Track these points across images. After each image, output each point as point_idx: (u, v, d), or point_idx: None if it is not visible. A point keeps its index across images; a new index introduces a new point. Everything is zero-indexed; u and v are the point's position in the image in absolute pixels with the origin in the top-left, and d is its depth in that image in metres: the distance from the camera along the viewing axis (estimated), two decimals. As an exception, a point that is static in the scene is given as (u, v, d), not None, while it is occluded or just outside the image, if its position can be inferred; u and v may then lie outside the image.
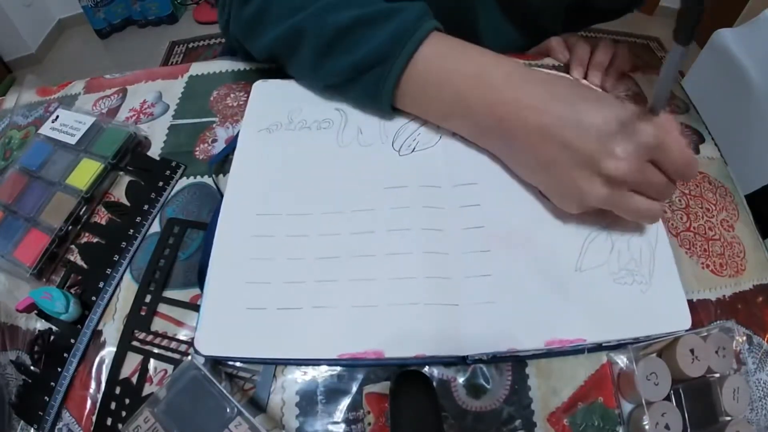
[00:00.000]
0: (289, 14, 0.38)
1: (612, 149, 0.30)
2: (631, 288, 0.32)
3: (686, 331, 0.31)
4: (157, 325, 0.36)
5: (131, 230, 0.40)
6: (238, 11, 0.42)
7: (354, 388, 0.32)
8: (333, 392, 0.32)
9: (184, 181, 0.43)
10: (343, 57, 0.37)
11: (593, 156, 0.30)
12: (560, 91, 0.33)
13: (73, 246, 0.41)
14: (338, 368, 0.33)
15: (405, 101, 0.38)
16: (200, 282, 0.36)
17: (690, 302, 0.32)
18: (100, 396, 0.34)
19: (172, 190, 0.43)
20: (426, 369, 0.33)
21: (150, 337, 0.35)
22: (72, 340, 0.35)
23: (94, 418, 0.33)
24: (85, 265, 0.40)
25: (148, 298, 0.37)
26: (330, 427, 0.31)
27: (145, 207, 0.41)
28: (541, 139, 0.32)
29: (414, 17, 0.36)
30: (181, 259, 0.39)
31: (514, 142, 0.34)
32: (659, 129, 0.30)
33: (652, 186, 0.31)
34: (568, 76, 0.35)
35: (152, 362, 0.35)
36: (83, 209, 0.42)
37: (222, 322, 0.32)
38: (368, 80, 0.37)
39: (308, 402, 0.32)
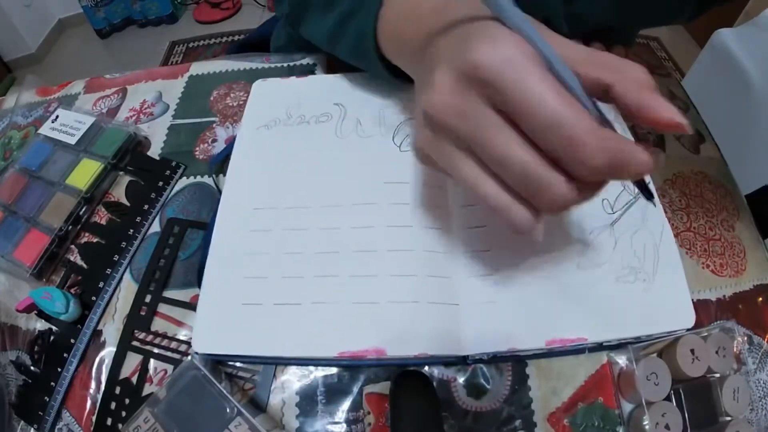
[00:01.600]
0: None
1: (431, 77, 0.22)
2: (634, 286, 0.32)
3: (686, 331, 0.31)
4: (157, 325, 0.36)
5: (131, 230, 0.40)
6: None
7: (354, 388, 0.32)
8: (333, 392, 0.32)
9: (184, 181, 0.43)
10: (332, 12, 0.37)
11: (423, 82, 0.24)
12: (466, 10, 0.24)
13: (73, 246, 0.41)
14: (338, 368, 0.33)
15: (388, 47, 0.33)
16: (200, 282, 0.36)
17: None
18: (100, 396, 0.34)
19: (172, 190, 0.43)
20: (426, 369, 0.33)
21: (150, 337, 0.35)
22: (72, 340, 0.35)
23: (94, 418, 0.33)
24: (85, 265, 0.40)
25: (148, 298, 0.37)
26: (330, 427, 0.31)
27: (145, 207, 0.41)
28: (423, 59, 0.26)
29: None
30: (181, 259, 0.39)
31: (414, 67, 0.29)
32: (503, 53, 0.19)
33: (491, 153, 0.21)
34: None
35: (152, 362, 0.35)
36: (83, 209, 0.42)
37: (218, 318, 0.32)
38: (351, 30, 0.35)
39: (308, 402, 0.32)
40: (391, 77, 0.35)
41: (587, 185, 0.21)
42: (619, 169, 0.19)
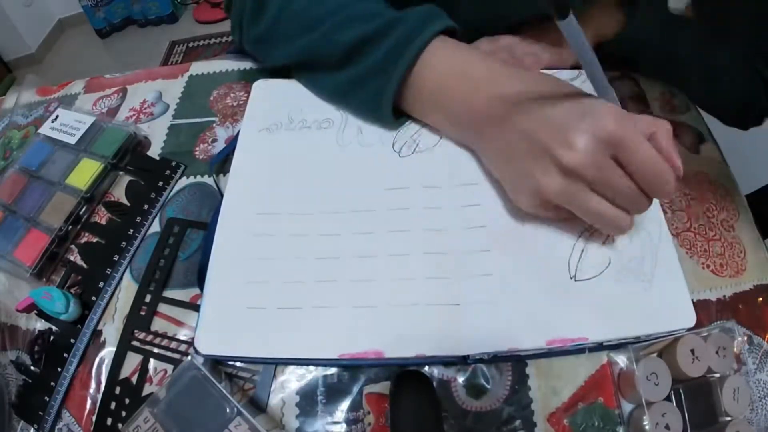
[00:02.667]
0: (298, 34, 0.40)
1: (569, 139, 0.29)
2: (634, 286, 0.32)
3: (687, 331, 0.31)
4: (157, 325, 0.36)
5: (131, 230, 0.40)
6: (248, 29, 0.44)
7: (354, 389, 0.32)
8: (333, 392, 0.32)
9: (184, 181, 0.43)
10: (349, 70, 0.39)
11: (550, 145, 0.29)
12: (536, 84, 0.32)
13: (73, 246, 0.41)
14: (338, 368, 0.33)
15: (406, 106, 0.39)
16: (200, 282, 0.36)
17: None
18: (100, 396, 0.34)
19: (172, 189, 0.43)
20: (426, 369, 0.33)
21: (150, 337, 0.35)
22: (72, 340, 0.35)
23: (94, 418, 0.33)
24: (85, 265, 0.40)
25: (148, 298, 0.37)
26: (330, 427, 0.31)
27: (145, 207, 0.41)
28: (505, 129, 0.32)
29: (412, 27, 0.36)
30: (181, 259, 0.39)
31: (483, 132, 0.34)
32: (622, 124, 0.28)
33: (614, 189, 0.29)
34: (559, 78, 0.34)
35: (152, 362, 0.35)
36: (83, 209, 0.42)
37: (222, 321, 0.32)
38: (370, 87, 0.38)
39: (308, 402, 0.32)
40: (395, 123, 0.39)
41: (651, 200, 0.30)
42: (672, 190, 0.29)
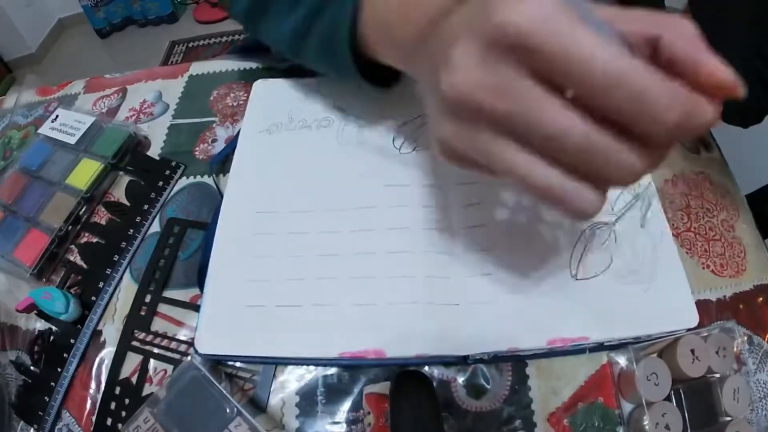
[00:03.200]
0: None
1: (449, 56, 0.19)
2: (635, 286, 0.32)
3: (687, 331, 0.31)
4: (157, 325, 0.36)
5: (131, 230, 0.40)
6: None
7: (354, 389, 0.32)
8: (333, 392, 0.32)
9: (184, 181, 0.43)
10: (300, 8, 0.33)
11: (436, 67, 0.20)
12: None
13: (73, 246, 0.41)
14: (338, 368, 0.33)
15: (373, 39, 0.30)
16: (200, 282, 0.36)
17: (690, 302, 0.32)
18: (100, 396, 0.34)
19: (172, 189, 0.43)
20: (426, 369, 0.33)
21: (150, 337, 0.35)
22: (72, 340, 0.35)
23: (94, 418, 0.33)
24: (85, 265, 0.40)
25: (148, 298, 0.37)
26: (330, 427, 0.31)
27: (145, 207, 0.41)
28: (425, 50, 0.23)
29: None
30: (181, 259, 0.39)
31: (415, 60, 0.26)
32: (546, 12, 0.16)
33: (537, 128, 0.17)
34: None
35: (152, 362, 0.35)
36: (83, 209, 0.42)
37: (222, 321, 0.32)
38: (325, 21, 0.31)
39: (308, 402, 0.32)
40: (360, 78, 0.32)
41: (655, 150, 0.18)
42: (692, 123, 0.16)
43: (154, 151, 0.45)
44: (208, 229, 0.38)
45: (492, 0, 0.17)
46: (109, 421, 0.33)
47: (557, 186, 0.18)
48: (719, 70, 0.16)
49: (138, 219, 0.41)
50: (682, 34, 0.17)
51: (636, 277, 0.32)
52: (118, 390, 0.34)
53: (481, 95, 0.18)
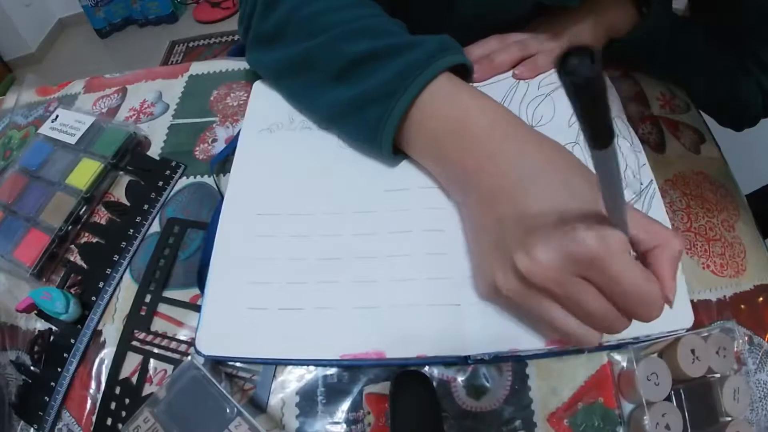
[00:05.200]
0: (306, 37, 0.37)
1: (532, 245, 0.25)
2: None
3: (687, 331, 0.31)
4: (157, 325, 0.36)
5: (131, 230, 0.40)
6: (258, 23, 0.41)
7: (354, 389, 0.32)
8: (333, 392, 0.32)
9: (184, 181, 0.43)
10: (349, 87, 0.35)
11: (512, 244, 0.26)
12: (533, 158, 0.29)
13: (73, 246, 0.41)
14: (338, 368, 0.33)
15: (402, 142, 0.36)
16: (200, 282, 0.36)
17: (691, 302, 0.32)
18: (100, 396, 0.34)
19: (172, 189, 0.43)
20: (426, 369, 0.33)
21: (150, 337, 0.35)
22: (72, 340, 0.35)
23: (94, 418, 0.33)
24: (85, 265, 0.40)
25: (148, 298, 0.37)
26: (330, 427, 0.31)
27: (145, 207, 0.41)
28: (486, 203, 0.30)
29: (426, 53, 0.33)
30: (181, 259, 0.39)
31: (469, 197, 0.32)
32: (602, 243, 0.23)
33: (581, 308, 0.25)
34: (565, 149, 0.30)
35: (152, 362, 0.35)
36: (83, 209, 0.42)
37: (223, 322, 0.32)
38: (370, 114, 0.34)
39: (308, 402, 0.32)
40: (392, 157, 0.36)
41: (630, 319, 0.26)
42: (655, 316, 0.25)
43: (154, 151, 0.45)
44: (208, 229, 0.38)
45: (577, 224, 0.24)
46: (109, 421, 0.33)
47: (577, 331, 0.26)
48: (671, 294, 0.25)
49: (138, 219, 0.41)
50: (670, 255, 0.25)
51: None
52: (118, 390, 0.34)
53: (549, 284, 0.25)
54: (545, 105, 0.40)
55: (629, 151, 0.38)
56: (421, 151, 0.35)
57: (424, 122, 0.33)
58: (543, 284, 0.25)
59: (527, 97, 0.41)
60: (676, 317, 0.31)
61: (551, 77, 0.43)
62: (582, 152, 0.37)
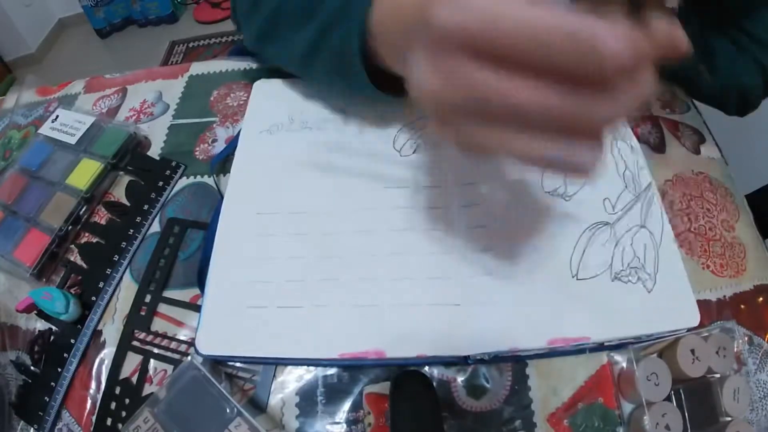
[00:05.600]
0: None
1: (410, 67, 0.20)
2: (636, 285, 0.32)
3: (687, 331, 0.31)
4: (157, 325, 0.36)
5: (131, 230, 0.40)
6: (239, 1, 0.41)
7: (354, 389, 0.32)
8: (333, 392, 0.32)
9: (184, 181, 0.43)
10: (312, 23, 0.33)
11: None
12: None
13: (73, 246, 0.41)
14: (338, 368, 0.33)
15: (379, 59, 0.31)
16: (200, 282, 0.36)
17: (691, 302, 0.32)
18: (100, 396, 0.34)
19: (172, 190, 0.43)
20: (426, 369, 0.33)
21: (150, 337, 0.35)
22: (72, 340, 0.35)
23: (94, 418, 0.33)
24: (85, 265, 0.40)
25: (148, 298, 0.37)
26: (330, 427, 0.31)
27: (145, 207, 0.41)
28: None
29: None
30: (181, 259, 0.39)
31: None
32: (477, 2, 0.17)
33: (505, 106, 0.18)
34: None
35: (152, 362, 0.35)
36: (83, 209, 0.42)
37: (223, 321, 0.32)
38: (335, 37, 0.32)
39: (308, 402, 0.32)
40: (374, 90, 0.32)
41: (621, 94, 0.18)
42: (644, 55, 0.17)
43: (154, 151, 0.45)
44: (208, 229, 0.38)
45: (425, 3, 0.18)
46: (109, 421, 0.33)
47: (547, 150, 0.18)
48: (609, 37, 0.16)
49: (138, 219, 0.41)
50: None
51: (637, 277, 0.32)
52: (118, 390, 0.34)
53: (445, 97, 0.19)
54: None
55: (628, 153, 0.38)
56: (392, 52, 0.29)
57: (387, 16, 0.28)
58: (438, 102, 0.19)
59: None
60: (682, 316, 0.31)
61: None
62: None
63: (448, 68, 0.18)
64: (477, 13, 0.17)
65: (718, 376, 0.31)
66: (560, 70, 0.16)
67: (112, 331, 0.36)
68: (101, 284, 0.38)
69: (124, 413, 0.33)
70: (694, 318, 0.31)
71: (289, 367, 0.33)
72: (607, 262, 0.33)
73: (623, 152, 0.38)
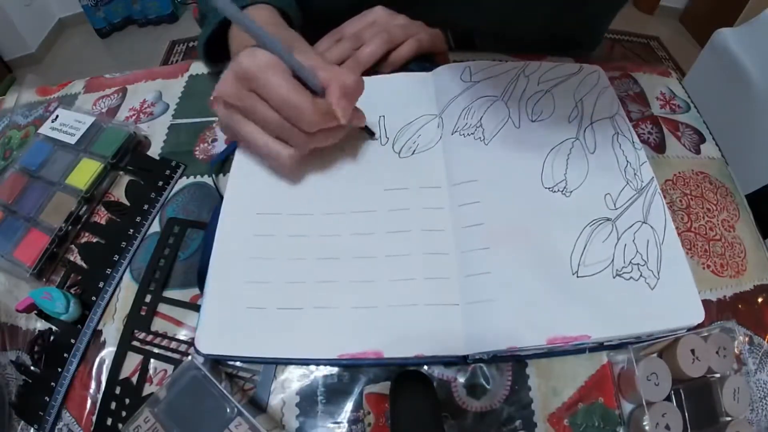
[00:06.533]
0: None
1: (223, 74, 0.34)
2: (638, 283, 0.32)
3: (687, 331, 0.31)
4: (157, 325, 0.36)
5: (131, 230, 0.40)
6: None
7: (354, 389, 0.32)
8: (333, 392, 0.32)
9: (184, 181, 0.43)
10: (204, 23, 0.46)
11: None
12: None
13: (73, 246, 0.41)
14: (339, 368, 0.33)
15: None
16: (200, 282, 0.36)
17: (692, 301, 0.32)
18: (100, 396, 0.34)
19: (172, 189, 0.43)
20: (426, 369, 0.33)
21: (150, 337, 0.35)
22: (72, 340, 0.35)
23: (94, 418, 0.33)
24: (85, 265, 0.40)
25: (148, 298, 0.37)
26: (330, 427, 0.31)
27: (145, 207, 0.41)
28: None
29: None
30: (181, 259, 0.39)
31: None
32: (253, 60, 0.32)
33: (257, 117, 0.34)
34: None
35: (152, 362, 0.35)
36: (83, 209, 0.42)
37: (222, 321, 0.32)
38: (203, 33, 0.45)
39: (308, 402, 0.32)
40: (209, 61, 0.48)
41: (324, 131, 0.34)
42: (332, 120, 0.33)
43: (154, 151, 0.45)
44: (207, 229, 0.38)
45: (241, 53, 0.33)
46: (109, 421, 0.33)
47: (265, 144, 0.35)
48: (339, 110, 0.33)
49: (138, 219, 0.41)
50: (338, 84, 0.33)
51: (639, 273, 0.32)
52: (118, 390, 0.34)
53: (232, 98, 0.34)
54: (545, 100, 0.41)
55: (630, 148, 0.38)
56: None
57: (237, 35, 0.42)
58: (226, 99, 0.34)
59: (527, 92, 0.42)
60: (686, 313, 0.31)
61: (553, 71, 0.43)
62: (582, 148, 0.38)
63: (233, 81, 0.33)
64: (257, 66, 0.32)
65: (718, 376, 0.31)
66: (282, 111, 0.33)
67: (112, 331, 0.36)
68: (101, 284, 0.38)
69: (124, 413, 0.33)
70: (698, 314, 0.31)
71: (290, 367, 0.33)
72: (609, 258, 0.33)
73: (624, 148, 0.38)
